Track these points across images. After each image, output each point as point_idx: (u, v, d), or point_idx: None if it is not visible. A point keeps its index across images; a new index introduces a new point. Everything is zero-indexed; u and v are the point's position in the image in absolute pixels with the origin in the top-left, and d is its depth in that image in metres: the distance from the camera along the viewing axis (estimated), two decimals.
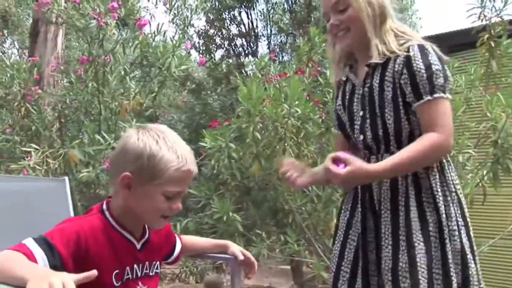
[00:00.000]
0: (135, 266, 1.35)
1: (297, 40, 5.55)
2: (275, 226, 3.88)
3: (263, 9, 7.57)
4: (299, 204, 3.51)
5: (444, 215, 1.52)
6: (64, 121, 4.47)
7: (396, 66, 1.54)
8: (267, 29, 7.86)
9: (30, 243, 1.16)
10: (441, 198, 1.54)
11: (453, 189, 1.58)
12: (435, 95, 1.49)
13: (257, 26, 7.90)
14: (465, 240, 1.54)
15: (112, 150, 3.21)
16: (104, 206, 1.34)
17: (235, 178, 3.56)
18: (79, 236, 1.22)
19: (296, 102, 3.28)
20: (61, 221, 1.30)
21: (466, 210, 1.60)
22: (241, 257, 1.63)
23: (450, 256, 1.49)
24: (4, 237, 1.49)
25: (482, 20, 3.43)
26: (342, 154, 1.48)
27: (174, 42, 3.93)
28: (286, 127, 3.29)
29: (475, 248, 1.58)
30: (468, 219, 1.60)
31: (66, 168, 3.45)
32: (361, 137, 1.63)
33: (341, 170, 1.45)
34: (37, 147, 3.31)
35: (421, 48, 1.53)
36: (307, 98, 3.46)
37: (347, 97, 1.70)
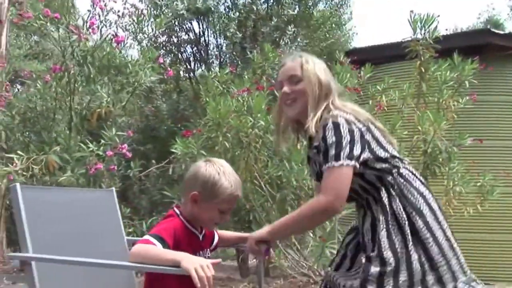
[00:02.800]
0: (200, 252, 1.87)
1: (249, 53, 5.99)
2: (238, 223, 4.33)
3: (213, 20, 7.85)
4: (260, 202, 4.00)
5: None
6: (31, 126, 4.67)
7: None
8: (217, 39, 8.22)
9: (151, 238, 1.64)
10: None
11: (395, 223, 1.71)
12: (328, 165, 1.68)
13: (208, 35, 8.24)
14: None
15: (95, 156, 3.53)
16: (178, 212, 1.85)
17: None
18: (175, 232, 1.73)
19: (259, 115, 3.76)
20: (160, 223, 1.84)
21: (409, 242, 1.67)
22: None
23: None
24: (68, 243, 1.86)
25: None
26: None
27: (147, 56, 4.28)
28: (251, 137, 3.75)
29: None
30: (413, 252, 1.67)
31: (47, 173, 3.71)
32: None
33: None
34: (22, 153, 3.54)
35: (324, 126, 1.73)
36: (267, 110, 3.94)
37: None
